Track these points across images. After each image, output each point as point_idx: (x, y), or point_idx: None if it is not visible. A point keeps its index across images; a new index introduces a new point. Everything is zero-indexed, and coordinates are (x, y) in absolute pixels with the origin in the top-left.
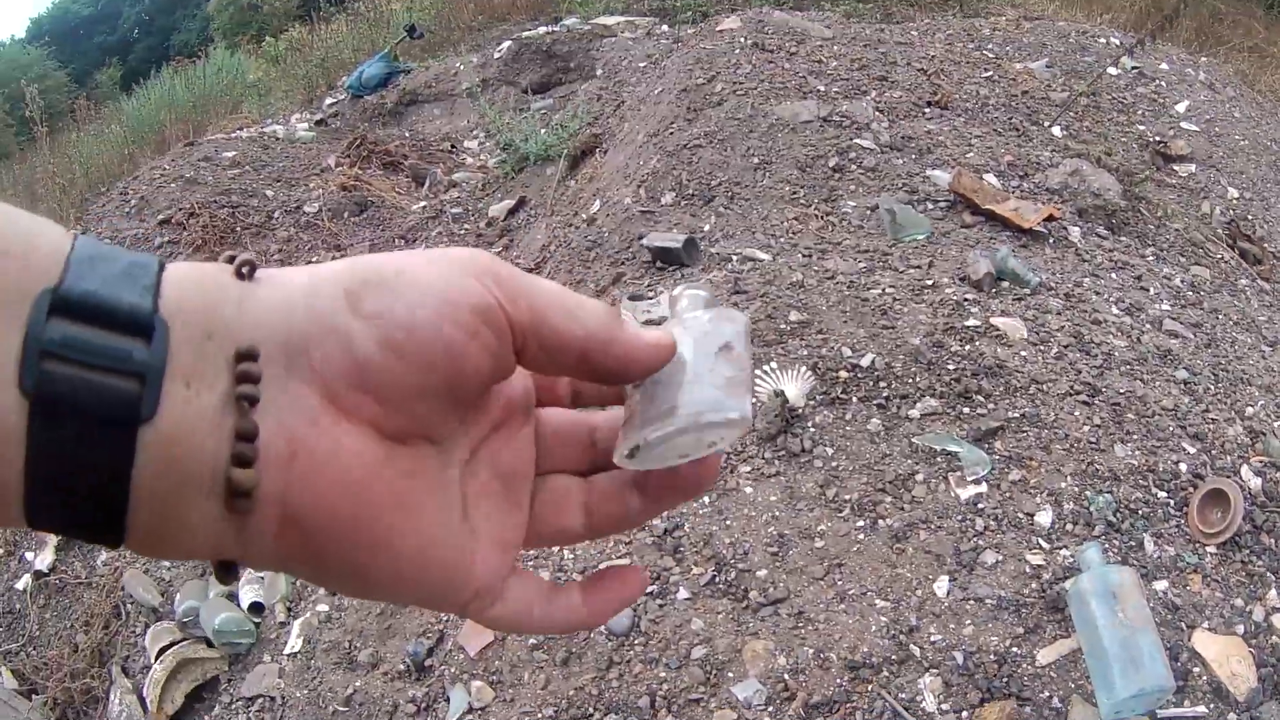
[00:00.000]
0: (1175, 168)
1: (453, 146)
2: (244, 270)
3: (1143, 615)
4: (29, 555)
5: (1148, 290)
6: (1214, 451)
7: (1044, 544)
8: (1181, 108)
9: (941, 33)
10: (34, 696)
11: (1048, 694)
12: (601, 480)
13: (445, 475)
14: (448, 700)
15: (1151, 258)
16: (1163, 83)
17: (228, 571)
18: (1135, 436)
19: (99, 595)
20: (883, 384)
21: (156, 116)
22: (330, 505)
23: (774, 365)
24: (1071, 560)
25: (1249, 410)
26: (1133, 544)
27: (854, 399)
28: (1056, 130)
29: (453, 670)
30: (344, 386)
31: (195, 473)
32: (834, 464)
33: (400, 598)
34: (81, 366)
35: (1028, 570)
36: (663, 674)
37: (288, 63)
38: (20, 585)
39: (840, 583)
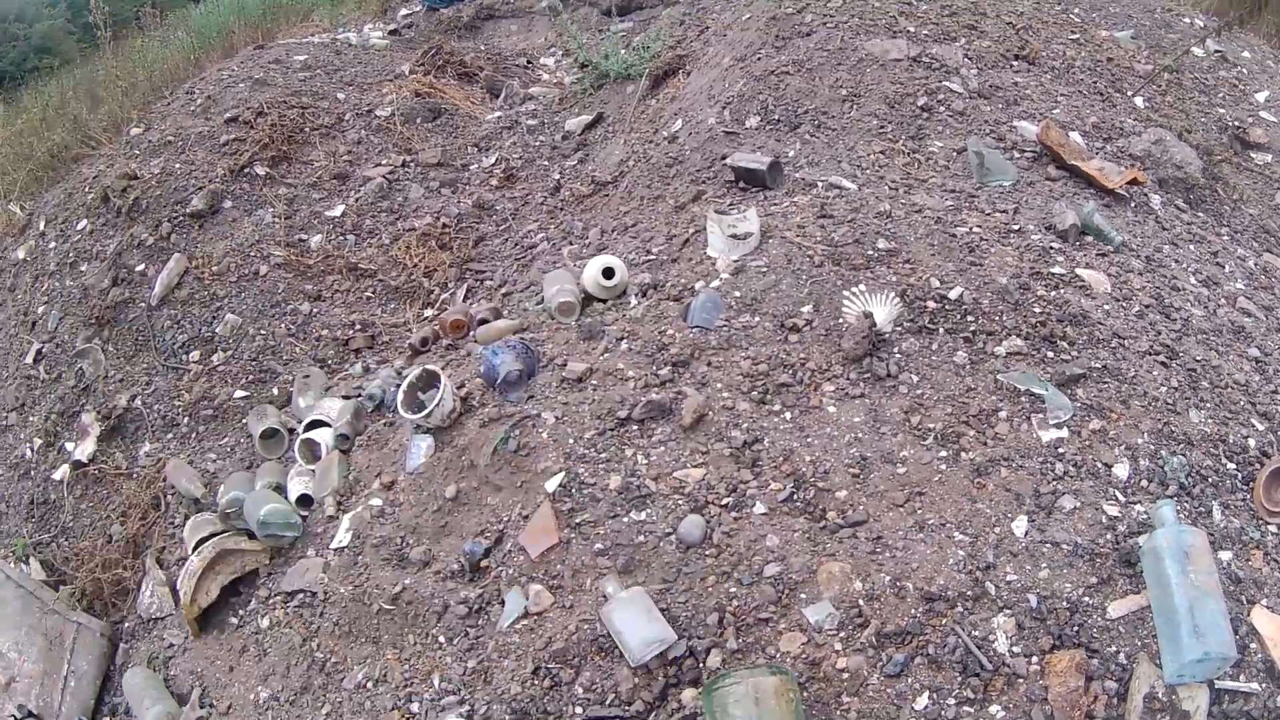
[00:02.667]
0: (1252, 155)
1: (529, 62)
2: None
3: (1212, 580)
4: (69, 445)
5: (1223, 267)
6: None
7: (1120, 496)
8: (1261, 97)
9: None
10: (60, 587)
11: (1115, 648)
12: None
13: None
14: (502, 604)
15: (1226, 238)
16: (1244, 70)
17: None
18: (1209, 405)
19: (139, 486)
20: (970, 318)
21: (225, 23)
22: None
23: (862, 288)
24: (1145, 516)
25: None
26: (1202, 510)
27: (941, 329)
28: (1139, 101)
29: (510, 572)
30: None
31: None
32: (919, 391)
33: None
34: None
35: (1104, 520)
36: (733, 589)
37: None
38: (57, 475)
39: (920, 511)
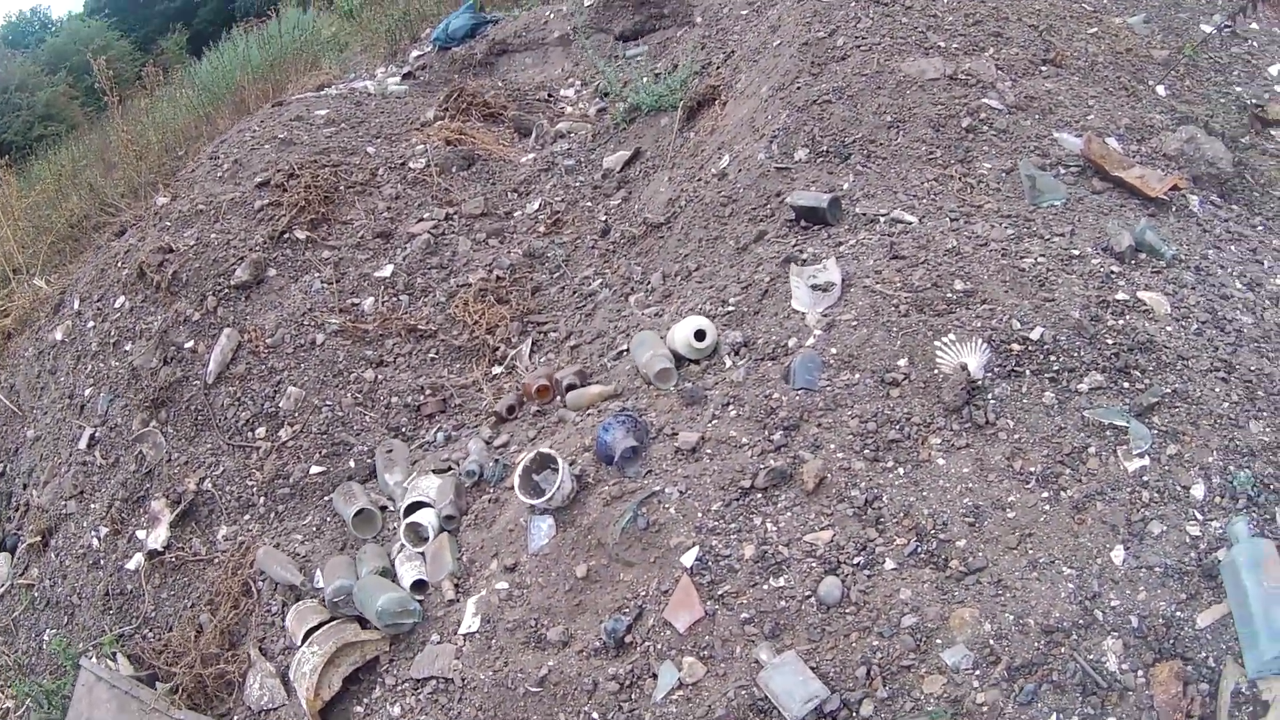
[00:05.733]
0: (1273, 132)
1: (549, 96)
2: None
3: None
4: (140, 533)
5: (1262, 263)
6: None
7: (1199, 515)
8: (1274, 70)
9: None
10: (157, 684)
11: (1205, 654)
12: None
13: None
14: (654, 677)
15: (1260, 228)
16: (1254, 43)
17: None
18: (1265, 414)
19: (224, 573)
20: (1052, 357)
21: (232, 78)
22: None
23: (952, 337)
24: (1221, 531)
25: None
26: (1267, 517)
27: (1028, 372)
28: (1161, 90)
29: (659, 646)
30: None
31: None
32: (1016, 436)
33: None
34: None
35: (1187, 540)
36: (875, 642)
37: (364, 17)
38: (132, 565)
39: (1031, 551)
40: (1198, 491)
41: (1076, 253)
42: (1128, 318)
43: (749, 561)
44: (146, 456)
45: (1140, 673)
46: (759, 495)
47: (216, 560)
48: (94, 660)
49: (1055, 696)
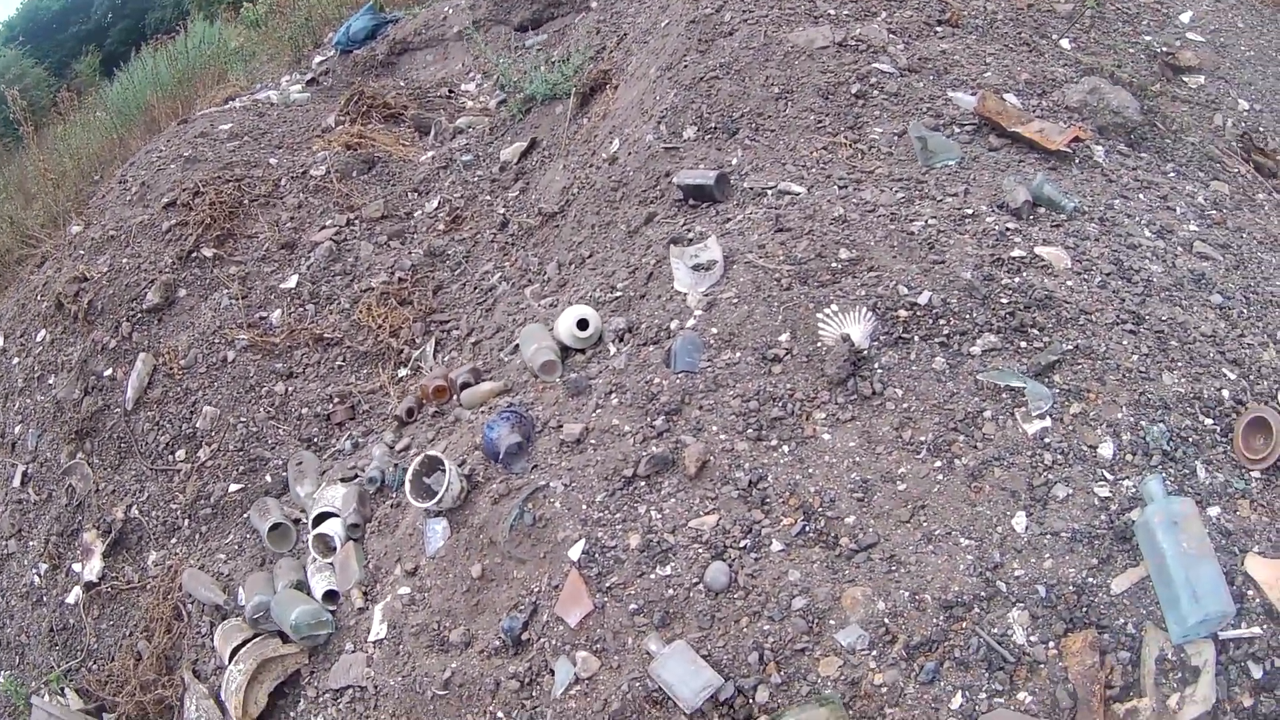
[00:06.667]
0: (1185, 79)
1: (450, 92)
2: None
3: (1204, 545)
4: (76, 566)
5: (1174, 210)
6: (1252, 377)
7: (1108, 475)
8: (1186, 17)
9: None
10: (104, 715)
11: (1123, 621)
12: None
13: None
14: (552, 673)
15: (1173, 175)
16: None
17: None
18: (1180, 364)
19: (156, 599)
20: (942, 321)
21: (142, 97)
22: None
23: (834, 308)
24: (1135, 491)
25: None
26: (1186, 472)
27: (916, 338)
28: (1065, 43)
29: (553, 642)
30: None
31: None
32: (905, 405)
33: None
34: None
35: (1096, 503)
36: (766, 626)
37: (269, 26)
38: (71, 599)
39: (926, 524)
40: (1106, 450)
41: (970, 212)
42: (1024, 275)
43: (635, 551)
44: (76, 489)
45: (1051, 644)
46: (642, 483)
47: (148, 586)
48: (45, 698)
49: (959, 674)
